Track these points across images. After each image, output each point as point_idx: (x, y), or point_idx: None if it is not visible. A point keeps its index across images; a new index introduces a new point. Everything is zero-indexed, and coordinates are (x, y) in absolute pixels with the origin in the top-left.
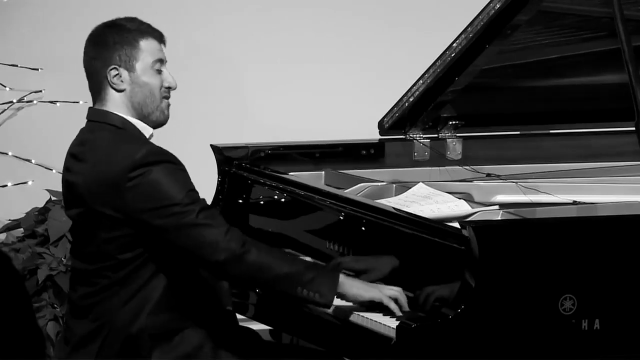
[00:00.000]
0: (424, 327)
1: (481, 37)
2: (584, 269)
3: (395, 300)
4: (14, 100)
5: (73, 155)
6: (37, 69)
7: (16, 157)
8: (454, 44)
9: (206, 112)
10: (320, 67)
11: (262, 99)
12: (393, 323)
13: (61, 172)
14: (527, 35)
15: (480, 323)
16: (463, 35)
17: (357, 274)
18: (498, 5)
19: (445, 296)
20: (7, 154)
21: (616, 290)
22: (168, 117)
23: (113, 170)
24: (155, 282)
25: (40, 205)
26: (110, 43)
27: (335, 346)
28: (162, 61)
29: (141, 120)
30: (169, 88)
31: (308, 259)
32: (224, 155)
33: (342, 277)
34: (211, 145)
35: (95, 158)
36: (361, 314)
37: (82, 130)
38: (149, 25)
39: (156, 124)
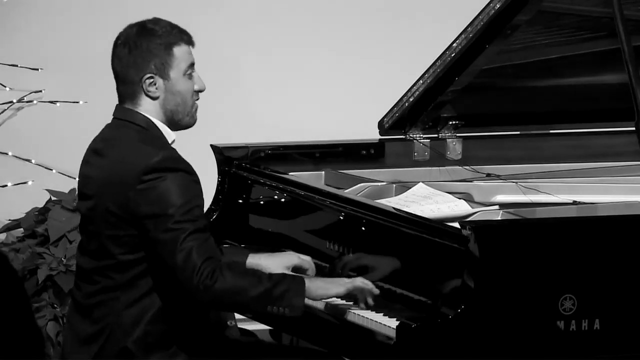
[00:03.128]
0: (424, 327)
1: (481, 37)
2: (584, 269)
3: (362, 290)
4: (14, 100)
5: (94, 150)
6: (37, 69)
7: (16, 157)
8: (454, 44)
9: (206, 112)
10: (320, 67)
11: (262, 99)
12: (393, 323)
13: (61, 172)
14: (527, 35)
15: (480, 323)
16: (463, 35)
17: (358, 274)
18: (498, 5)
19: (445, 296)
20: (7, 154)
21: (616, 290)
22: (196, 120)
23: (128, 169)
24: (159, 292)
25: (40, 205)
26: (145, 51)
27: (335, 346)
28: (193, 65)
29: (170, 125)
30: (199, 91)
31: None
32: (224, 155)
33: (306, 282)
34: (211, 145)
35: (114, 155)
36: (361, 313)
37: (107, 126)
38: (179, 30)
39: (185, 128)
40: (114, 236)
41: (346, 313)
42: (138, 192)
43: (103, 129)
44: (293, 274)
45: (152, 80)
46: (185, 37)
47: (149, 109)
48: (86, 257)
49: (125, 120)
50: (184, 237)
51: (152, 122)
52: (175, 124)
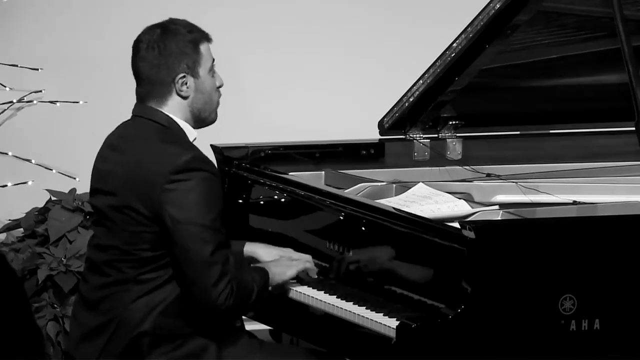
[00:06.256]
0: (424, 327)
1: (481, 37)
2: (584, 269)
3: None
4: (14, 100)
5: (111, 146)
6: (37, 69)
7: (16, 157)
8: (454, 44)
9: None
10: (320, 67)
11: (262, 99)
12: (393, 323)
13: (61, 172)
14: (527, 35)
15: (480, 323)
16: (463, 35)
17: (358, 274)
18: (498, 5)
19: (445, 296)
20: (7, 154)
21: (616, 290)
22: (217, 116)
23: (155, 167)
24: (171, 286)
25: (40, 205)
26: (175, 51)
27: (335, 346)
28: (214, 61)
29: (195, 123)
30: (219, 87)
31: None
32: (224, 155)
33: (268, 273)
34: (211, 145)
35: (136, 152)
36: (361, 314)
37: (124, 124)
38: (199, 28)
39: (209, 124)
40: (135, 232)
41: (347, 313)
42: (166, 191)
43: (119, 127)
44: (259, 266)
45: (184, 79)
46: (206, 35)
47: (175, 108)
48: (98, 250)
49: (146, 118)
50: (209, 252)
51: (174, 121)
52: (202, 122)
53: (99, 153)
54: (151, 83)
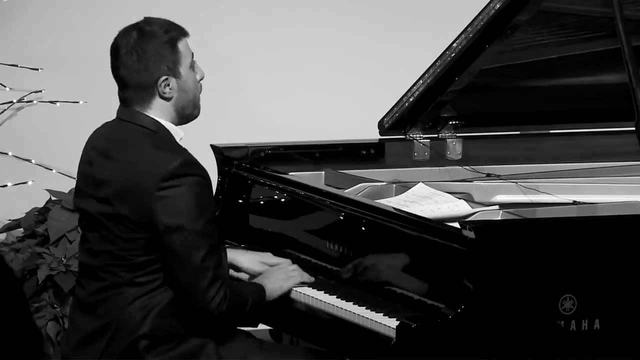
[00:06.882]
0: (424, 327)
1: (481, 37)
2: (584, 269)
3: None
4: (14, 100)
5: (98, 150)
6: (37, 69)
7: (16, 157)
8: (454, 44)
9: (206, 112)
10: (320, 67)
11: (262, 98)
12: (393, 323)
13: (61, 172)
14: (527, 35)
15: (480, 323)
16: (463, 35)
17: (359, 274)
18: (498, 5)
19: (445, 296)
20: (7, 154)
21: (616, 290)
22: (200, 111)
23: (146, 175)
24: (165, 287)
25: (40, 205)
26: (154, 54)
27: (335, 346)
28: (193, 55)
29: (179, 121)
30: (201, 79)
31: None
32: (224, 155)
33: (265, 289)
34: (211, 145)
35: (127, 159)
36: (361, 314)
37: (108, 126)
38: (174, 25)
39: (191, 120)
40: (128, 239)
41: (347, 313)
42: (156, 198)
43: (103, 128)
44: (255, 282)
45: (166, 81)
46: (182, 31)
47: (160, 111)
48: (91, 255)
49: (132, 122)
50: (200, 256)
51: (161, 124)
52: (186, 118)
53: (84, 155)
54: (134, 88)
